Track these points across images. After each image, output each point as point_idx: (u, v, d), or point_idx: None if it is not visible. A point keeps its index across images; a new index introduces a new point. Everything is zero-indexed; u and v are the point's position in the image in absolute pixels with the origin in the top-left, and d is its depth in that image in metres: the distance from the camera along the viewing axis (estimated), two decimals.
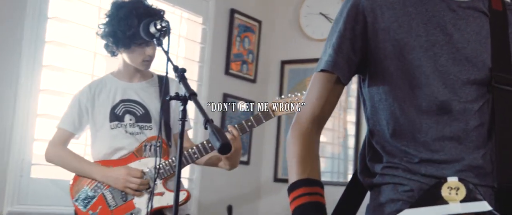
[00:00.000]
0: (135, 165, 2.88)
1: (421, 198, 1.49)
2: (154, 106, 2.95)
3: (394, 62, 1.54)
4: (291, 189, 1.55)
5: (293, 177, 1.56)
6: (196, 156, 2.81)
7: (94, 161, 2.94)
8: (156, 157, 2.82)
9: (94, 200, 2.88)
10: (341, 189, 1.69)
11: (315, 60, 4.67)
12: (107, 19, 2.87)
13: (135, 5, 2.81)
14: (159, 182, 2.86)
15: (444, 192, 1.48)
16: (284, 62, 4.74)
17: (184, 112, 2.16)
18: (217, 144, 1.87)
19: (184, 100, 2.16)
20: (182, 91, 2.20)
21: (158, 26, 2.56)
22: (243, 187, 4.52)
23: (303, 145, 1.60)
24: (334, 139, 4.50)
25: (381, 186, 1.58)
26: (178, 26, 4.09)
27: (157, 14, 2.84)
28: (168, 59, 2.39)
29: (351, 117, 4.45)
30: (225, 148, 1.85)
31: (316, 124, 1.61)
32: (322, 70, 1.59)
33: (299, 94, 2.81)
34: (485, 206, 1.46)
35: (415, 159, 1.53)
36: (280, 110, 2.80)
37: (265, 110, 2.79)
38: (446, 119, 1.52)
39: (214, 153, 2.84)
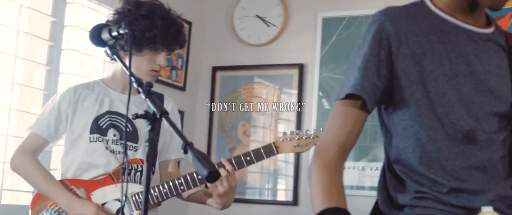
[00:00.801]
0: (110, 189, 2.56)
1: None
2: (144, 125, 2.57)
3: (419, 89, 1.60)
4: None
5: (319, 206, 1.57)
6: (182, 187, 2.55)
7: (62, 174, 2.63)
8: (139, 183, 2.58)
9: None
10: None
11: (250, 67, 4.40)
12: (120, 15, 2.58)
13: (157, 6, 2.60)
14: (136, 213, 2.56)
15: None
16: (215, 69, 4.39)
17: (152, 132, 1.87)
18: (204, 172, 1.64)
19: (152, 120, 1.86)
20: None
21: (114, 33, 2.19)
22: None
23: (328, 173, 1.61)
24: None
25: None
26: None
27: (177, 20, 2.64)
28: (130, 74, 2.04)
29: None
30: (213, 176, 1.63)
31: (340, 153, 1.63)
32: (346, 97, 1.62)
33: (308, 132, 2.64)
34: None
35: (444, 188, 1.60)
36: (285, 149, 2.61)
37: (269, 146, 2.57)
38: (472, 148, 1.60)
39: (201, 187, 2.62)
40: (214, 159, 4.21)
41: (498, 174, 1.63)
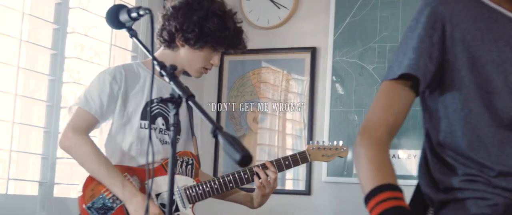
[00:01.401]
0: (164, 180, 2.55)
1: (508, 210, 1.61)
2: (183, 118, 2.67)
3: (468, 74, 1.66)
4: (373, 194, 1.58)
5: (372, 183, 1.60)
6: (231, 185, 2.68)
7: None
8: (188, 175, 2.65)
9: (112, 211, 2.47)
10: None
11: (260, 51, 4.29)
12: (189, 7, 2.57)
13: (231, 11, 2.68)
14: (189, 206, 2.61)
15: None
16: (223, 53, 4.16)
17: (176, 116, 1.82)
18: (237, 156, 1.61)
19: (176, 103, 1.81)
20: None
21: (133, 14, 2.09)
22: None
23: (379, 151, 1.65)
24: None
25: (461, 201, 1.66)
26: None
27: (241, 26, 2.73)
28: (154, 58, 1.94)
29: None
30: (246, 160, 1.62)
31: (388, 133, 1.66)
32: (400, 77, 1.64)
33: (336, 144, 2.91)
34: None
35: (492, 172, 1.64)
36: (315, 157, 2.87)
37: (304, 153, 2.81)
38: None
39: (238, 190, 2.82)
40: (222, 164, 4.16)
41: None
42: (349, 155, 3.86)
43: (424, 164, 1.78)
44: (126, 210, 2.47)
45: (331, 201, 3.97)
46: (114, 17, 2.14)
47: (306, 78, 4.05)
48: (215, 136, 1.68)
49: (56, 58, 3.21)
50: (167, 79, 1.88)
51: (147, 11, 2.06)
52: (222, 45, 2.64)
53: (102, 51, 3.56)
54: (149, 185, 2.46)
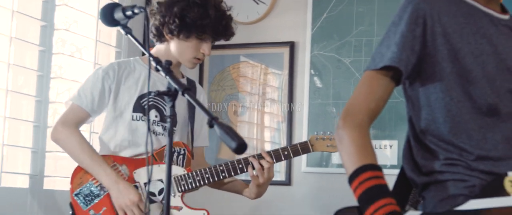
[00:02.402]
0: (155, 170, 2.63)
1: (484, 190, 1.70)
2: (181, 110, 2.75)
3: (449, 65, 1.76)
4: (356, 174, 1.68)
5: (355, 163, 1.69)
6: (223, 174, 2.68)
7: (101, 149, 2.66)
8: (179, 165, 2.68)
9: (99, 198, 2.59)
10: None
11: (239, 45, 4.36)
12: (172, 0, 2.64)
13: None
14: (178, 195, 2.65)
15: (507, 185, 1.68)
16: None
17: (173, 109, 1.91)
18: (233, 144, 1.70)
19: (173, 96, 1.90)
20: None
21: (128, 12, 2.18)
22: None
23: (360, 134, 1.73)
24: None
25: (441, 182, 1.76)
26: None
27: (228, 12, 2.77)
28: (149, 54, 2.05)
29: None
30: (241, 147, 1.71)
31: (369, 117, 1.76)
32: (382, 68, 1.75)
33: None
34: None
35: (471, 156, 1.74)
36: (319, 148, 2.79)
37: (306, 143, 2.75)
38: (495, 120, 1.76)
39: (236, 178, 2.80)
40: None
41: None
42: None
43: (408, 150, 1.87)
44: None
45: (311, 191, 4.06)
46: (109, 15, 2.22)
47: (285, 72, 4.14)
48: (211, 126, 1.78)
49: (44, 54, 3.27)
50: (163, 74, 1.97)
51: (141, 10, 2.16)
52: (205, 33, 2.66)
53: (83, 46, 3.62)
54: (138, 174, 2.59)
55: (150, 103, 2.68)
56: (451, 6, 1.80)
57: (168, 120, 1.90)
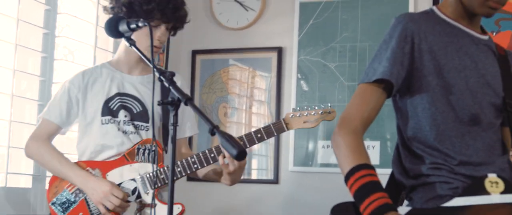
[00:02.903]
0: (125, 169, 2.63)
1: (467, 190, 1.85)
2: (155, 107, 2.67)
3: (435, 79, 1.91)
4: (352, 172, 1.83)
5: (351, 163, 1.84)
6: (195, 166, 2.59)
7: (79, 159, 2.70)
8: (152, 163, 2.62)
9: (75, 205, 2.63)
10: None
11: (230, 50, 4.47)
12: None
13: None
14: (151, 192, 2.60)
15: (487, 185, 1.85)
16: (195, 52, 4.47)
17: (175, 117, 1.96)
18: (234, 151, 1.78)
19: (176, 106, 1.96)
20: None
21: (132, 25, 2.22)
22: None
23: (355, 139, 1.88)
24: None
25: (428, 184, 1.90)
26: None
27: None
28: (153, 66, 2.12)
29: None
30: (242, 154, 1.79)
31: (363, 125, 1.91)
32: (375, 81, 1.90)
33: (317, 108, 2.65)
34: None
35: (454, 161, 1.89)
36: (295, 125, 2.62)
37: (279, 123, 2.60)
38: (477, 129, 1.92)
39: (214, 166, 2.67)
40: (196, 140, 4.34)
41: (497, 151, 1.96)
42: (311, 146, 4.17)
43: (396, 156, 2.03)
44: (87, 202, 2.61)
45: (298, 189, 4.20)
46: (114, 28, 2.30)
47: (273, 75, 4.29)
48: (213, 134, 1.86)
49: (46, 60, 3.41)
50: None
51: (145, 23, 2.21)
52: (153, 18, 2.61)
53: (82, 51, 3.75)
54: (111, 176, 2.61)
55: (118, 104, 2.68)
56: (436, 26, 1.97)
57: (171, 127, 1.95)
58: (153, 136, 2.57)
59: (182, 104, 2.56)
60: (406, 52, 1.91)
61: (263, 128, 2.59)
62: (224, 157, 2.52)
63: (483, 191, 1.85)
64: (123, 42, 2.65)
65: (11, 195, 3.19)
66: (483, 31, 2.09)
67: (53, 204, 2.64)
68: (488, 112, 1.96)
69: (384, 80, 1.90)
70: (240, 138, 2.57)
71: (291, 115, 2.63)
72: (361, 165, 1.84)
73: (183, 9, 2.72)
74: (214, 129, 1.85)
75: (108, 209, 2.57)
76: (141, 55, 2.22)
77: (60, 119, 2.68)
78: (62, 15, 3.51)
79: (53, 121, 2.68)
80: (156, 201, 2.60)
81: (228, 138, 1.82)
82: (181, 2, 2.72)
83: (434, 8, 2.06)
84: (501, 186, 1.86)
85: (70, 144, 3.22)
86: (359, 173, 1.83)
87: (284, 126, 2.60)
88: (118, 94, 2.69)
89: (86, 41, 3.68)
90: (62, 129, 2.71)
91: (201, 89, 4.41)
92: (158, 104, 2.02)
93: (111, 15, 2.61)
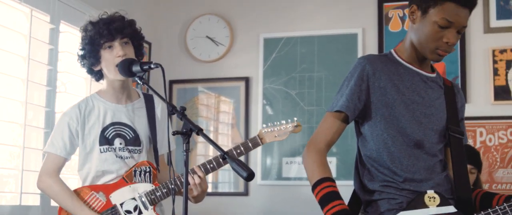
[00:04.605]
0: (126, 190, 2.78)
1: (410, 205, 2.09)
2: (143, 129, 2.85)
3: (387, 111, 2.15)
4: (317, 184, 2.09)
5: (317, 176, 2.10)
6: (176, 188, 2.74)
7: (82, 183, 2.83)
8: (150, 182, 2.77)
9: None
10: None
11: (202, 80, 4.99)
12: (79, 45, 2.81)
13: (91, 18, 2.79)
14: (150, 208, 2.76)
15: (426, 200, 2.09)
16: (172, 82, 4.82)
17: (188, 144, 2.16)
18: (244, 174, 2.00)
19: (187, 136, 2.15)
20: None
21: (145, 67, 2.48)
22: None
23: (320, 157, 2.14)
24: None
25: (379, 200, 2.14)
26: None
27: (115, 14, 2.77)
28: (167, 102, 2.31)
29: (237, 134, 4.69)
30: (251, 176, 2.01)
31: (327, 146, 2.18)
32: (336, 111, 2.18)
33: (286, 123, 2.85)
34: (452, 208, 2.12)
35: (400, 178, 2.13)
36: (268, 139, 2.83)
37: (255, 138, 2.81)
38: (420, 152, 2.17)
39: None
40: (174, 160, 4.63)
41: (437, 170, 2.20)
42: (275, 162, 4.52)
43: (356, 172, 2.26)
44: None
45: (265, 200, 4.53)
46: (127, 68, 2.55)
47: (242, 101, 4.64)
48: (224, 159, 2.07)
49: (51, 72, 3.72)
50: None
51: (157, 65, 2.42)
52: (102, 40, 2.71)
53: (67, 81, 4.07)
54: (114, 197, 2.75)
55: (113, 133, 2.78)
56: (390, 67, 2.20)
57: (185, 153, 2.12)
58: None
59: (163, 123, 2.90)
60: (362, 89, 2.15)
61: (241, 144, 2.79)
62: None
63: (423, 205, 2.08)
64: (105, 76, 2.81)
65: (24, 212, 3.49)
66: (433, 70, 2.29)
67: None
68: (431, 137, 2.17)
69: (342, 111, 2.18)
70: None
71: (264, 130, 2.83)
72: (325, 178, 2.09)
73: (119, 20, 2.75)
74: (225, 155, 2.06)
75: None
76: (154, 93, 2.43)
77: (65, 152, 2.79)
78: (65, 33, 3.85)
79: (59, 154, 2.78)
80: None
81: (238, 162, 2.03)
82: (115, 17, 2.76)
83: (392, 51, 2.28)
84: (438, 200, 2.10)
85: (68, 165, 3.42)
86: (323, 184, 2.08)
87: (259, 140, 2.81)
88: (112, 124, 2.81)
89: (82, 74, 4.05)
90: (67, 159, 2.84)
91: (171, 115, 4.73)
92: (173, 134, 2.18)
93: (85, 68, 2.83)
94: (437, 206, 2.08)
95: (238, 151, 2.77)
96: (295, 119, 2.87)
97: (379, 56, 2.27)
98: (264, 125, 2.88)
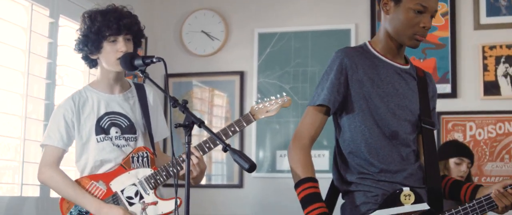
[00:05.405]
0: (125, 176, 2.80)
1: (385, 202, 2.15)
2: (137, 116, 2.90)
3: (364, 103, 2.20)
4: (300, 183, 2.14)
5: (299, 175, 2.15)
6: (178, 168, 2.78)
7: (80, 175, 2.86)
8: (145, 166, 2.79)
9: (89, 213, 2.77)
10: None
11: (197, 74, 5.03)
12: (79, 30, 2.84)
13: (98, 7, 2.82)
14: (151, 192, 2.79)
15: (402, 198, 2.15)
16: (167, 76, 4.77)
17: (190, 137, 2.23)
18: (246, 165, 2.05)
19: (189, 128, 2.22)
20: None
21: (147, 61, 2.53)
22: None
23: (304, 154, 2.19)
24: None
25: (355, 192, 2.20)
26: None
27: (119, 8, 2.81)
28: (168, 95, 2.37)
29: None
30: (253, 167, 2.05)
31: (311, 141, 2.23)
32: (318, 105, 2.22)
33: (274, 97, 2.90)
34: (425, 206, 2.19)
35: (376, 169, 2.19)
36: (259, 115, 2.86)
37: (247, 115, 2.84)
38: (395, 142, 2.22)
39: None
40: (170, 150, 4.61)
41: (411, 160, 2.26)
42: (269, 155, 4.60)
43: (334, 164, 2.30)
44: None
45: (259, 192, 4.61)
46: (129, 62, 2.58)
47: (237, 95, 4.71)
48: (225, 151, 2.11)
49: (51, 65, 3.79)
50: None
51: (159, 59, 2.47)
52: (106, 33, 2.74)
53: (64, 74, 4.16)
54: (114, 185, 2.77)
55: (109, 122, 2.81)
56: (366, 61, 2.25)
57: (186, 145, 2.19)
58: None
59: (157, 111, 2.96)
60: (341, 82, 2.20)
61: (235, 121, 2.81)
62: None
63: (399, 203, 2.14)
64: (100, 66, 2.84)
65: (24, 203, 3.56)
66: (406, 61, 2.34)
67: (70, 213, 2.79)
68: (405, 128, 2.23)
69: (324, 105, 2.23)
70: (217, 133, 2.74)
71: (255, 107, 2.87)
72: (307, 178, 2.15)
73: (127, 16, 2.79)
74: (227, 147, 2.11)
75: None
76: (155, 86, 2.51)
77: (63, 143, 2.81)
78: (64, 27, 3.92)
79: (57, 145, 2.80)
80: (156, 198, 2.78)
81: (239, 154, 2.06)
82: (124, 12, 2.80)
83: (367, 43, 2.32)
84: (412, 198, 2.16)
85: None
86: (306, 184, 2.13)
87: (251, 117, 2.84)
88: (107, 113, 2.84)
89: (80, 67, 4.15)
90: (65, 151, 2.86)
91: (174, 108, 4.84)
92: (175, 127, 2.23)
93: (82, 55, 2.85)
94: (412, 204, 2.15)
95: (232, 129, 2.79)
96: (284, 93, 2.92)
97: (355, 48, 2.31)
98: (255, 102, 2.92)
